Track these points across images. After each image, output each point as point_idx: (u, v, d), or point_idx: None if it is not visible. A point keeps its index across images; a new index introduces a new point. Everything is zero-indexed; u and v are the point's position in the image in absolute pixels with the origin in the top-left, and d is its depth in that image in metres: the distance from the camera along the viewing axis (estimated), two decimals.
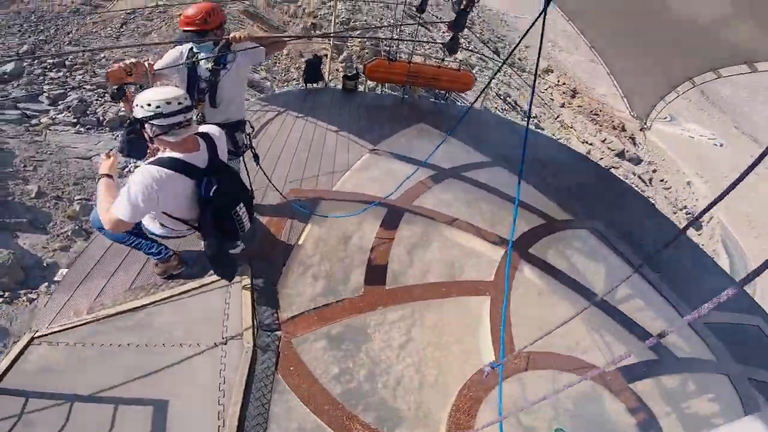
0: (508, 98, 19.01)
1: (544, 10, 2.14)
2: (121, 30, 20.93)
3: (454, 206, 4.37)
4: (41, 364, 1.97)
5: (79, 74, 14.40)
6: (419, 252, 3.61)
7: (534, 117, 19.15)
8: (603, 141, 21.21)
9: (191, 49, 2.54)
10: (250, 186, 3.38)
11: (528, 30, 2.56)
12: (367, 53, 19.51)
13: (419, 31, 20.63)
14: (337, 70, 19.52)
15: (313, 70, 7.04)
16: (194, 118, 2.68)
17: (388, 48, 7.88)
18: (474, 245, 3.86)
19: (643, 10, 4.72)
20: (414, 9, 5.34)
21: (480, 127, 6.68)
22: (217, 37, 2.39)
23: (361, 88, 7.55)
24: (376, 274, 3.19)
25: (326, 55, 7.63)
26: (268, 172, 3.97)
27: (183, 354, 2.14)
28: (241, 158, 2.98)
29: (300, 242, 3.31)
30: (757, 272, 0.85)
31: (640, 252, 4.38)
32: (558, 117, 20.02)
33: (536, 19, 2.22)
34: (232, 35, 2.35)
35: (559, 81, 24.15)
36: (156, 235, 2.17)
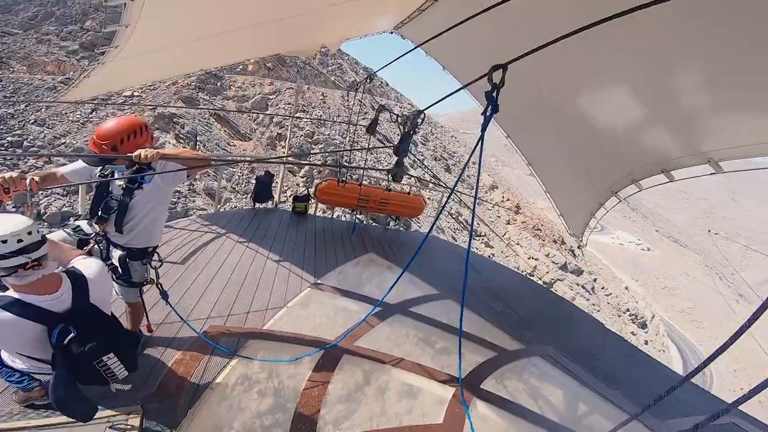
0: (459, 217, 20.35)
1: (482, 135, 2.17)
2: (90, 116, 21.03)
3: (401, 345, 4.02)
4: None
5: None
6: (358, 397, 3.12)
7: (483, 236, 20.38)
8: (547, 255, 22.72)
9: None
10: (148, 320, 2.79)
11: (474, 150, 2.55)
12: (320, 173, 20.66)
13: (370, 154, 22.62)
14: (297, 184, 20.31)
15: (263, 188, 6.90)
16: (91, 230, 2.37)
17: (337, 170, 8.04)
18: (422, 385, 3.46)
19: (567, 115, 5.29)
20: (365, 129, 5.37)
21: (428, 255, 6.70)
22: (125, 158, 2.03)
23: (312, 210, 7.54)
24: (303, 424, 2.69)
25: (278, 174, 7.69)
26: (192, 302, 3.56)
27: None
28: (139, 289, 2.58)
29: (213, 386, 2.77)
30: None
31: (595, 371, 4.25)
32: (505, 234, 21.50)
33: (478, 141, 2.24)
34: (137, 153, 1.97)
35: (503, 197, 26.67)
36: (19, 370, 1.88)
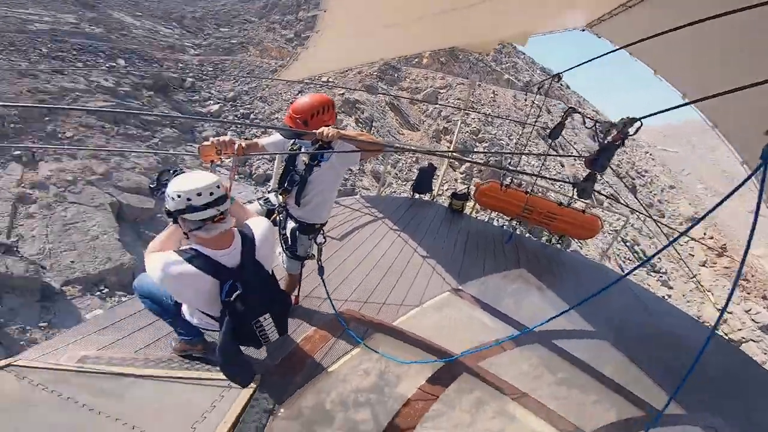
0: (635, 246, 16.82)
1: (758, 205, 1.55)
2: (296, 96, 25.90)
3: (530, 378, 3.54)
4: None
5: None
6: (463, 422, 2.86)
7: (662, 273, 16.39)
8: (747, 311, 16.81)
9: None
10: (298, 293, 2.94)
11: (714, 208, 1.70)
12: (482, 173, 19.91)
13: (536, 160, 20.47)
14: (456, 180, 20.34)
15: (424, 179, 6.92)
16: (276, 202, 2.57)
17: (501, 172, 7.35)
18: (535, 428, 2.98)
19: None
20: (547, 132, 5.00)
21: (589, 283, 5.72)
22: (311, 134, 2.18)
23: (469, 210, 7.31)
24: None
25: (440, 167, 7.63)
26: (337, 281, 3.60)
27: None
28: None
29: (330, 370, 2.85)
30: None
31: None
32: (694, 276, 16.81)
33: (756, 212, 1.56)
34: (320, 130, 2.10)
35: (705, 234, 20.78)
36: (190, 324, 2.04)
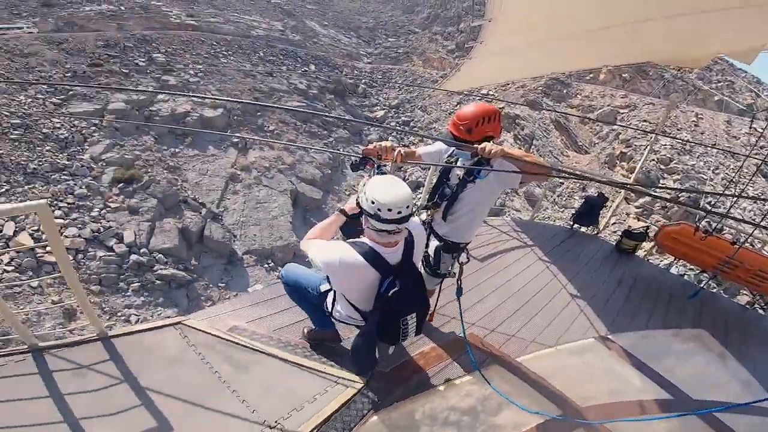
0: None
1: None
2: (455, 108, 25.98)
3: None
4: (155, 343, 2.23)
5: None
6: None
7: None
8: None
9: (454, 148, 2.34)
10: (433, 310, 2.75)
11: None
12: (666, 210, 16.22)
13: (753, 204, 15.60)
14: (628, 214, 17.20)
15: (590, 210, 5.75)
16: (421, 218, 2.54)
17: (701, 214, 5.84)
18: None
19: None
20: None
21: None
22: (471, 147, 2.00)
23: (642, 252, 5.87)
24: None
25: (612, 199, 6.31)
26: (470, 302, 3.45)
27: (228, 407, 2.01)
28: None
29: (440, 388, 2.57)
30: None
31: None
32: None
33: None
34: (481, 146, 1.93)
35: None
36: (332, 314, 2.11)
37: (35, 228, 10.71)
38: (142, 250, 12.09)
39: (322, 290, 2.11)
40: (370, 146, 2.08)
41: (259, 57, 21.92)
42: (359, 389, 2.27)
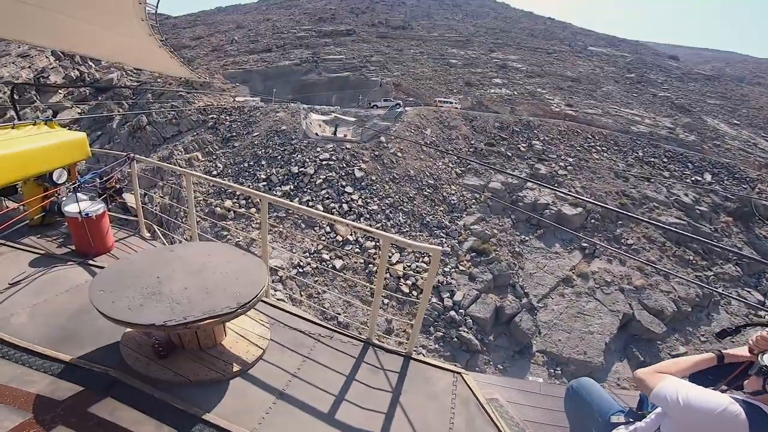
0: None
1: None
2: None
3: None
4: (433, 379, 2.55)
5: None
6: None
7: None
8: None
9: None
10: None
11: None
12: None
13: None
14: None
15: None
16: None
17: None
18: None
19: None
20: None
21: None
22: None
23: None
24: None
25: None
26: None
27: None
28: None
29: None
30: None
31: None
32: None
33: None
34: None
35: None
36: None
37: (410, 263, 14.12)
38: (460, 310, 13.52)
39: (612, 422, 1.80)
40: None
41: (637, 157, 19.83)
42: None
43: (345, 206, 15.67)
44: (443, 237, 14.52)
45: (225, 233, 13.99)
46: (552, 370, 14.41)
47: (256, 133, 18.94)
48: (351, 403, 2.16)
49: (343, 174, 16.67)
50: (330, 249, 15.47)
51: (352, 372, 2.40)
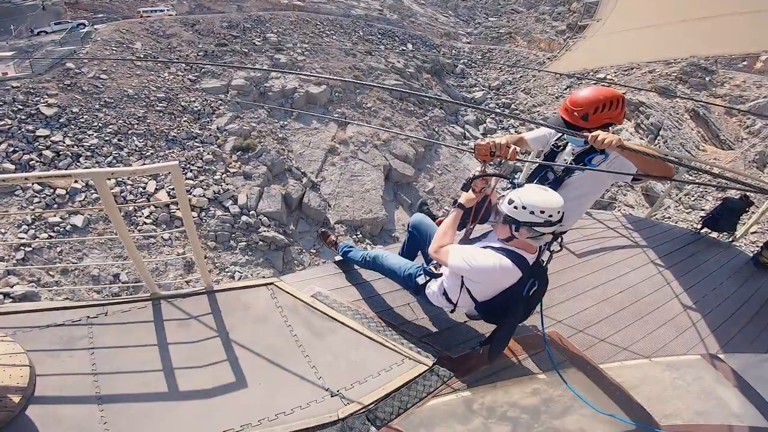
0: None
1: None
2: (564, 92, 23.74)
3: None
4: (249, 300, 2.39)
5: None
6: None
7: None
8: None
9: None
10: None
11: None
12: None
13: None
14: None
15: (727, 215, 4.83)
16: None
17: None
18: None
19: None
20: None
21: None
22: (582, 135, 1.81)
23: None
24: None
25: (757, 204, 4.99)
26: (558, 299, 3.26)
27: (298, 370, 2.09)
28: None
29: (506, 382, 2.49)
30: None
31: None
32: None
33: None
34: (593, 134, 1.71)
35: None
36: (434, 290, 2.12)
37: (171, 187, 12.37)
38: (251, 212, 13.31)
39: (420, 283, 2.16)
40: (482, 141, 2.05)
41: (359, 36, 22.21)
42: (423, 372, 2.30)
43: (48, 153, 11.73)
44: (199, 146, 13.11)
45: None
46: (354, 236, 16.47)
47: None
48: (181, 369, 1.92)
49: (23, 117, 12.13)
50: (55, 211, 11.76)
51: (156, 341, 2.03)
